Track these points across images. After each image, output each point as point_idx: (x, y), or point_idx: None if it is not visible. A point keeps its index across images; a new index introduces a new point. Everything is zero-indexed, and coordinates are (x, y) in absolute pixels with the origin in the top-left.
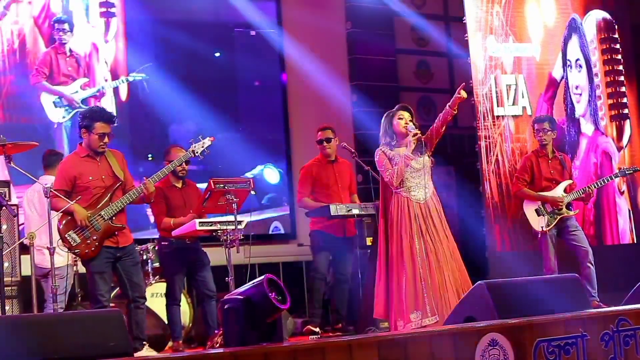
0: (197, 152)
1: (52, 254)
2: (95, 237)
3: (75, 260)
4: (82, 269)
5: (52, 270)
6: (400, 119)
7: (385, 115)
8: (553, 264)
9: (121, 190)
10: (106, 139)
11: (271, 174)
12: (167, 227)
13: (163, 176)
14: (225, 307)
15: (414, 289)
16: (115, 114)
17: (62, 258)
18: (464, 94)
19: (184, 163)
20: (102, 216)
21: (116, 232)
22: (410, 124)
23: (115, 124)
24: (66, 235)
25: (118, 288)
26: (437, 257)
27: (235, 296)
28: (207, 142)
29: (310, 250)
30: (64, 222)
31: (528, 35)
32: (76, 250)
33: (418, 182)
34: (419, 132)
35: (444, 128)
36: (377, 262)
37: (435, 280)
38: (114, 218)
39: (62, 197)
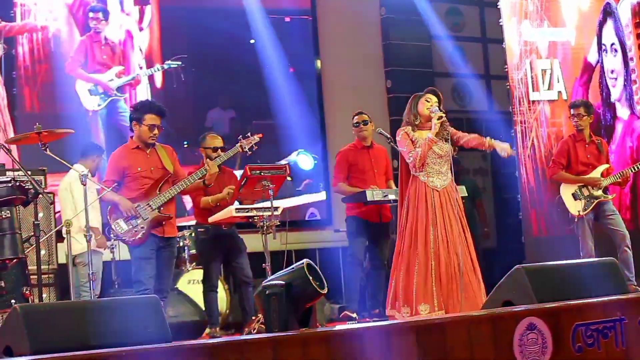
0: (245, 148)
1: (88, 241)
2: (142, 226)
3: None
4: (121, 256)
5: (89, 256)
6: (427, 101)
7: (412, 96)
8: (590, 248)
9: (170, 183)
10: (156, 131)
11: (305, 160)
12: (206, 206)
13: (221, 162)
14: (267, 292)
15: (424, 280)
16: (161, 105)
17: (82, 245)
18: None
19: (219, 150)
20: (151, 205)
21: (164, 222)
22: (435, 106)
23: (165, 116)
24: (114, 223)
25: None
26: (448, 250)
27: (277, 282)
28: (256, 138)
29: (346, 236)
30: (112, 210)
31: (563, 19)
32: (124, 238)
33: (438, 169)
34: (443, 115)
35: (468, 147)
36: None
37: (444, 274)
38: (162, 208)
39: (102, 186)
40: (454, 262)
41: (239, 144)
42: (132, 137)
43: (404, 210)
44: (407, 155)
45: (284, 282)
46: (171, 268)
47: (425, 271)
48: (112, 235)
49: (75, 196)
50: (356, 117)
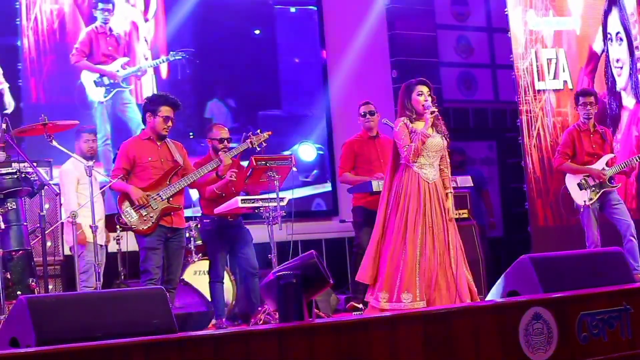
0: (254, 144)
1: (94, 232)
2: (152, 215)
3: (114, 240)
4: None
5: (95, 248)
6: (419, 94)
7: (404, 86)
8: (596, 238)
9: (179, 175)
10: (170, 123)
11: (306, 151)
12: (212, 196)
13: (237, 153)
14: (281, 282)
15: (411, 269)
16: (176, 98)
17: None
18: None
19: (226, 141)
20: (160, 196)
21: (172, 212)
22: (429, 99)
23: (179, 109)
24: (123, 212)
25: None
26: (433, 241)
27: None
28: (265, 135)
29: (352, 227)
30: (122, 199)
31: (568, 8)
32: (133, 226)
33: (431, 162)
34: (436, 109)
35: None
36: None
37: (427, 264)
38: (171, 198)
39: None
40: (438, 254)
41: (248, 140)
42: (143, 128)
43: (390, 197)
44: (402, 147)
45: (298, 272)
46: (180, 259)
47: (412, 260)
48: (120, 225)
49: (67, 185)
50: (363, 107)
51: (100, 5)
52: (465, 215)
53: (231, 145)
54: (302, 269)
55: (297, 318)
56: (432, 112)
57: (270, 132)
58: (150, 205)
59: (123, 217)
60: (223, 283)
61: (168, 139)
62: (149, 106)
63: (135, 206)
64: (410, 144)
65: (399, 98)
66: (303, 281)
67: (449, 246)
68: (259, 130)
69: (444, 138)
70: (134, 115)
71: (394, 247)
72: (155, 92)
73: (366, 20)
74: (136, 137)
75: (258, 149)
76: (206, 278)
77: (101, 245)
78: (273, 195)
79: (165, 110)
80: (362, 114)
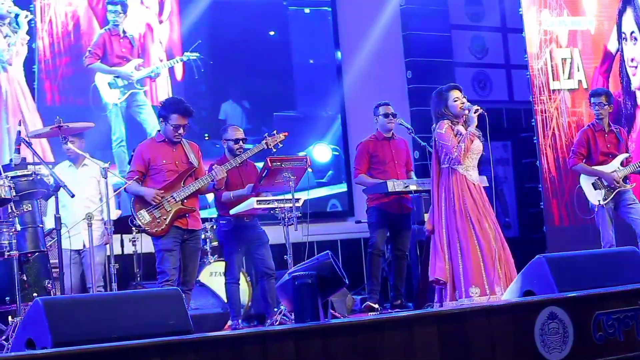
0: (270, 145)
1: (109, 234)
2: (165, 217)
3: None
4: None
5: (111, 252)
6: (455, 100)
7: (435, 94)
8: (611, 238)
9: (194, 178)
10: (181, 130)
11: (321, 152)
12: (227, 200)
13: (246, 157)
14: (296, 283)
15: (476, 265)
16: (189, 105)
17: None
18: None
19: (241, 142)
20: (174, 197)
21: (187, 214)
22: (466, 101)
23: (192, 116)
24: (137, 214)
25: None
26: (488, 239)
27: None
28: (282, 136)
29: (367, 227)
30: (136, 201)
31: (582, 8)
32: (146, 229)
33: (474, 165)
34: (479, 107)
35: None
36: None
37: (489, 259)
38: (185, 200)
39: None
40: (494, 249)
41: (264, 141)
42: (159, 130)
43: (441, 202)
44: (451, 149)
45: (314, 273)
46: (196, 261)
47: (475, 256)
48: (134, 227)
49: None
50: (383, 107)
51: (115, 8)
52: None
53: (246, 146)
54: (318, 269)
55: (312, 319)
56: (475, 111)
57: (286, 133)
58: (163, 206)
59: (136, 219)
60: (239, 284)
61: (184, 140)
62: (162, 112)
63: (148, 208)
64: (458, 144)
65: (432, 106)
66: (318, 282)
67: (505, 246)
68: (274, 132)
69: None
70: (149, 117)
71: (470, 244)
72: (170, 94)
73: (380, 20)
74: (151, 140)
75: (274, 150)
76: (222, 279)
77: (76, 250)
78: (288, 196)
79: (175, 119)
80: (385, 114)
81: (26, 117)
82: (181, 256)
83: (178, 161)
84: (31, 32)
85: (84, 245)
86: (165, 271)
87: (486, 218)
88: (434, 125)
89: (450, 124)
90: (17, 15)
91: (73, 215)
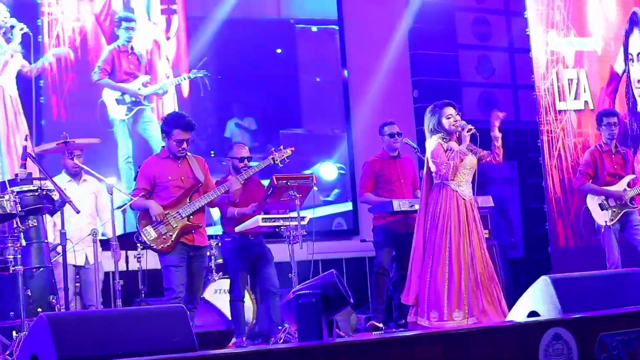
0: (276, 161)
1: (115, 250)
2: (171, 234)
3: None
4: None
5: (116, 268)
6: (448, 117)
7: (429, 110)
8: (616, 259)
9: (200, 193)
10: (184, 145)
11: (327, 170)
12: (232, 216)
13: (252, 174)
14: (301, 301)
15: (458, 287)
16: (191, 119)
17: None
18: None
19: (246, 160)
20: (180, 214)
21: (193, 230)
22: (459, 119)
23: (194, 130)
24: (143, 230)
25: None
26: (473, 258)
27: (309, 291)
28: (288, 152)
29: (373, 246)
30: (142, 217)
31: (589, 29)
32: (152, 245)
33: (467, 180)
34: (472, 127)
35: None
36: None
37: (471, 282)
38: (191, 216)
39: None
40: (477, 271)
41: (270, 156)
42: (163, 146)
43: (428, 216)
44: (440, 166)
45: (318, 292)
46: (201, 278)
47: (458, 279)
48: (139, 243)
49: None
50: (389, 127)
51: (124, 24)
52: (486, 236)
53: (251, 164)
54: (322, 288)
55: (316, 337)
56: (468, 130)
57: (293, 148)
58: (169, 223)
59: (142, 235)
60: (243, 302)
61: (189, 154)
62: (164, 127)
63: (153, 224)
64: (448, 161)
65: (425, 121)
66: (323, 300)
67: (487, 263)
68: (281, 147)
69: (474, 155)
70: (156, 133)
71: (440, 266)
72: (177, 110)
73: (388, 39)
74: (156, 156)
75: (281, 165)
76: (227, 297)
77: (77, 265)
78: (294, 214)
79: (178, 134)
80: (390, 134)
81: (11, 126)
82: (187, 273)
83: (184, 177)
84: (37, 47)
85: (87, 262)
86: (172, 287)
87: (472, 235)
88: (427, 142)
89: (441, 140)
90: (12, 27)
91: (77, 231)
